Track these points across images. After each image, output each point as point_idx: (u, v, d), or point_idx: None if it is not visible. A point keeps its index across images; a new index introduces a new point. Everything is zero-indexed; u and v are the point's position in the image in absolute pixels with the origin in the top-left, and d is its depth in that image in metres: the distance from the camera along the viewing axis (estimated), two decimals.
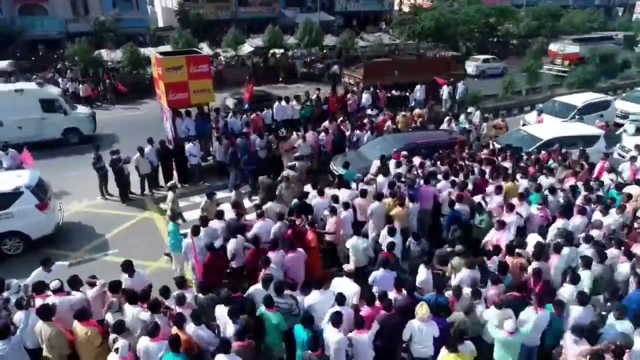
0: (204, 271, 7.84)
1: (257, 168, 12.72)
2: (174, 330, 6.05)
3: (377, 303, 6.53)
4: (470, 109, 17.39)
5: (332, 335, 5.93)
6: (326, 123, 14.87)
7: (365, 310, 6.48)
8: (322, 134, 14.16)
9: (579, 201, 9.52)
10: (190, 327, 6.15)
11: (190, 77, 13.01)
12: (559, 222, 8.70)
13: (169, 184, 11.01)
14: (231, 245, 8.07)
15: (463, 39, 35.41)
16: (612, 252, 7.77)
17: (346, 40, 31.92)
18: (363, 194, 9.44)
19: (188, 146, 13.32)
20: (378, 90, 18.53)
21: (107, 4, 35.69)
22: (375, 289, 7.11)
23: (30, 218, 10.02)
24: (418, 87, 19.46)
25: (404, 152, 11.93)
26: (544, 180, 10.43)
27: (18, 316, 6.54)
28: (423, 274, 7.30)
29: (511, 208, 8.85)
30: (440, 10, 34.05)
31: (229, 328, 6.25)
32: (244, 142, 13.44)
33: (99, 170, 12.71)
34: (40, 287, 6.88)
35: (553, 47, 33.41)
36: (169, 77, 12.69)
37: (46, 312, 6.20)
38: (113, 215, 12.05)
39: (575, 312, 6.42)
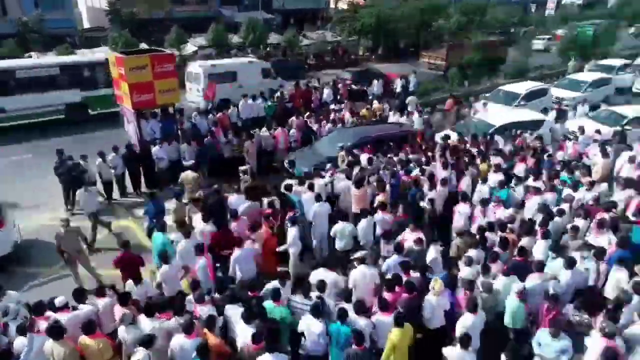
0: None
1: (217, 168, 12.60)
2: (205, 332, 5.87)
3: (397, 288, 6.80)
4: (409, 99, 18.19)
5: (359, 322, 6.13)
6: (293, 119, 14.88)
7: (388, 295, 6.67)
8: (293, 130, 14.17)
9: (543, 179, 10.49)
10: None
11: (155, 77, 12.39)
12: (537, 199, 9.43)
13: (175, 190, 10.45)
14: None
15: (401, 35, 36.75)
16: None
17: (290, 39, 31.94)
18: (359, 184, 9.60)
19: (155, 149, 12.75)
20: (339, 85, 18.79)
21: (26, 4, 32.92)
22: (389, 276, 7.32)
23: None
24: (375, 81, 20.00)
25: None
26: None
27: (20, 341, 6.00)
28: (433, 253, 7.63)
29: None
30: (379, 7, 35.12)
31: (240, 330, 6.13)
32: (212, 142, 13.21)
33: (61, 177, 11.83)
34: (40, 309, 6.33)
35: None
36: (133, 77, 12.01)
37: (57, 332, 5.73)
38: (83, 227, 11.25)
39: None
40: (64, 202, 12.03)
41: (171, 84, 12.91)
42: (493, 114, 16.49)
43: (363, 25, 34.28)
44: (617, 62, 25.49)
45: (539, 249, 7.83)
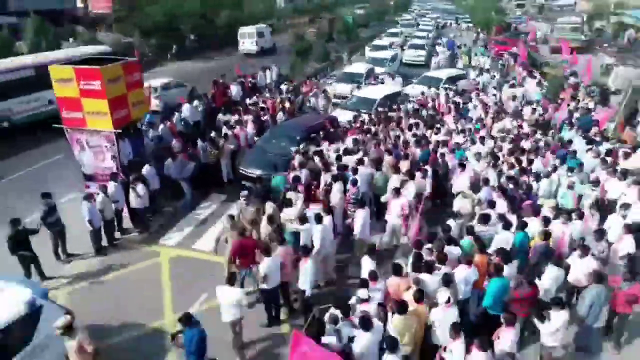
0: None
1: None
2: None
3: None
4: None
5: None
6: (248, 118, 14.84)
7: None
8: (248, 128, 14.22)
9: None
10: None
11: (128, 88, 10.66)
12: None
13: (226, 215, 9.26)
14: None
15: (190, 31, 36.35)
16: None
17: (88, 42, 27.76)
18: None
19: (147, 170, 11.01)
20: (244, 80, 18.76)
21: None
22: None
23: None
24: (268, 72, 21.04)
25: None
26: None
27: None
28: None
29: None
30: (164, 4, 33.93)
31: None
32: (193, 152, 12.36)
33: (52, 227, 9.19)
34: None
35: None
36: (111, 91, 10.03)
37: None
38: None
39: None
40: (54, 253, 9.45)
41: (140, 95, 11.24)
42: (370, 90, 19.21)
43: (154, 22, 32.57)
44: (388, 41, 33.17)
45: None
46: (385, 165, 11.38)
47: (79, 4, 44.55)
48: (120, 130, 10.42)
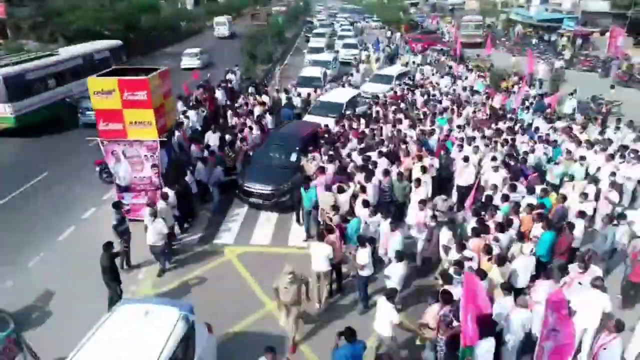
0: None
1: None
2: None
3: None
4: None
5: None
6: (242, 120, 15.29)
7: None
8: (253, 130, 14.76)
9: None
10: None
11: (164, 97, 10.83)
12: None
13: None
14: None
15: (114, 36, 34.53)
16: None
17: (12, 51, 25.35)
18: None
19: (189, 177, 11.24)
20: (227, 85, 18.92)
21: None
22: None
23: None
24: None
25: None
26: None
27: None
28: None
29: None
30: (86, 10, 32.06)
31: None
32: (220, 157, 12.77)
33: (122, 235, 9.25)
34: None
35: None
36: (157, 100, 10.20)
37: None
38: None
39: None
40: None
41: (171, 103, 11.44)
42: (334, 95, 19.04)
43: (76, 28, 30.60)
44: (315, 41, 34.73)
45: None
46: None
47: None
48: (165, 139, 10.59)
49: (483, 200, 10.10)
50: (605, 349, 6.20)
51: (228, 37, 45.60)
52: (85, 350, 5.65)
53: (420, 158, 11.98)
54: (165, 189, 10.33)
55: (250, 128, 14.62)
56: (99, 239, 8.56)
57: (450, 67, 26.27)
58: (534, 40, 40.74)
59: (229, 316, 8.24)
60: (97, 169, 13.38)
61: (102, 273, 8.13)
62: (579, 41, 37.43)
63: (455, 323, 6.43)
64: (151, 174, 10.82)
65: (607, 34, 32.94)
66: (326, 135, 14.35)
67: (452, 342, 6.33)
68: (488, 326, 6.32)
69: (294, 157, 12.53)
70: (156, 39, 39.08)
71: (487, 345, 6.11)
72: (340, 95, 18.79)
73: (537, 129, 14.86)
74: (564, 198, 10.09)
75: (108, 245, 8.18)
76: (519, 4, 54.82)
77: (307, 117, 16.94)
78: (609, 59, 30.23)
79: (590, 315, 7.02)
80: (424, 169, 11.36)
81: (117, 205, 9.50)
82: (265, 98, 18.15)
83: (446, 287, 7.01)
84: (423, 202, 9.57)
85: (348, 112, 16.78)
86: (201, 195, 12.13)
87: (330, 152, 12.38)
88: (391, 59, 31.58)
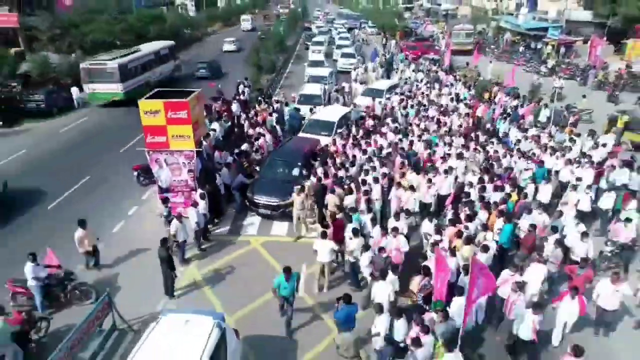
0: None
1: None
2: None
3: None
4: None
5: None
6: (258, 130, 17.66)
7: None
8: (267, 139, 17.11)
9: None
10: None
11: (199, 114, 13.20)
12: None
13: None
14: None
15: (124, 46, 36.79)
16: None
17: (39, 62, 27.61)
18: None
19: (218, 179, 13.60)
20: (239, 98, 21.24)
21: None
22: None
23: None
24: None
25: None
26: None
27: None
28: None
29: None
30: (99, 23, 34.37)
31: None
32: (240, 163, 15.07)
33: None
34: None
35: None
36: (194, 117, 12.56)
37: None
38: None
39: None
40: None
41: (202, 117, 13.75)
42: (326, 113, 19.70)
43: (94, 39, 32.87)
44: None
45: None
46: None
47: None
48: (200, 149, 12.92)
49: (462, 197, 12.53)
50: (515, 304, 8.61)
51: (250, 30, 62.50)
52: (138, 356, 6.77)
53: (403, 175, 14.09)
54: (199, 191, 12.68)
55: (264, 136, 17.00)
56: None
57: (438, 76, 28.73)
58: (520, 48, 43.19)
59: (257, 291, 10.58)
60: (135, 173, 15.68)
61: (160, 263, 10.22)
62: (562, 49, 39.96)
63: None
64: (188, 177, 13.14)
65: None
66: (321, 153, 15.69)
67: (427, 298, 8.73)
68: (457, 289, 8.67)
69: (296, 172, 14.16)
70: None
71: (459, 302, 8.46)
72: (332, 113, 19.39)
73: (505, 134, 17.37)
74: (525, 195, 12.49)
75: (164, 241, 10.34)
76: (508, 12, 57.28)
77: (301, 135, 17.77)
78: (588, 68, 32.69)
79: (534, 283, 9.39)
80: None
81: (166, 200, 11.83)
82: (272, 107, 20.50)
83: (425, 263, 9.41)
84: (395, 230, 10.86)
85: (340, 130, 17.61)
86: (227, 197, 14.40)
87: (326, 168, 14.14)
88: (388, 68, 33.69)
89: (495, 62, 36.77)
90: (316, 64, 32.19)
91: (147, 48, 30.09)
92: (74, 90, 26.00)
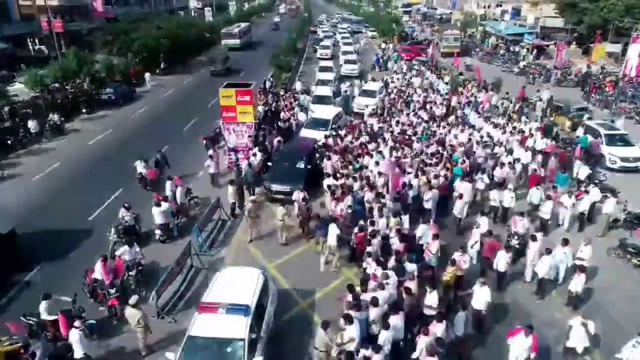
0: None
1: None
2: None
3: None
4: None
5: None
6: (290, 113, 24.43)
7: None
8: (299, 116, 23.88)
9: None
10: None
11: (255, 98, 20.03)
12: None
13: None
14: None
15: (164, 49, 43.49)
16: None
17: (106, 64, 34.32)
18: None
19: (268, 140, 20.38)
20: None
21: None
22: None
23: None
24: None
25: None
26: None
27: None
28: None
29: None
30: (145, 31, 41.13)
31: None
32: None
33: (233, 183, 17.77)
34: None
35: None
36: (253, 101, 19.29)
37: None
38: None
39: None
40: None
41: (256, 101, 20.47)
42: (321, 112, 24.46)
43: (140, 46, 39.51)
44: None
45: None
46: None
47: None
48: (257, 121, 19.66)
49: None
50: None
51: (280, 22, 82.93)
52: (211, 292, 9.75)
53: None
54: (255, 149, 19.33)
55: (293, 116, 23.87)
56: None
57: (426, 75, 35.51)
58: (501, 51, 49.80)
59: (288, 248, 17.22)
60: (204, 142, 22.32)
61: (243, 185, 17.07)
62: (535, 52, 46.56)
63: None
64: (247, 141, 19.83)
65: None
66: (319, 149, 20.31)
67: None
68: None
69: (302, 165, 18.05)
70: (190, 49, 48.14)
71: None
72: (327, 112, 24.26)
73: (465, 115, 24.18)
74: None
75: (232, 181, 17.04)
76: (494, 18, 63.88)
77: (303, 130, 22.79)
78: (552, 68, 39.28)
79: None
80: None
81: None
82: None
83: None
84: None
85: (334, 126, 22.62)
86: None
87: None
88: (385, 68, 40.39)
89: (479, 63, 43.58)
90: (325, 69, 36.93)
91: (242, 25, 59.82)
92: (147, 75, 34.95)
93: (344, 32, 64.74)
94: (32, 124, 24.04)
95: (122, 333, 10.90)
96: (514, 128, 21.77)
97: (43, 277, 13.07)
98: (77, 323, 9.30)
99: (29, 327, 10.12)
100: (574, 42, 48.58)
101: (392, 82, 32.90)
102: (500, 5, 67.35)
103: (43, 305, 10.15)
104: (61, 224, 15.46)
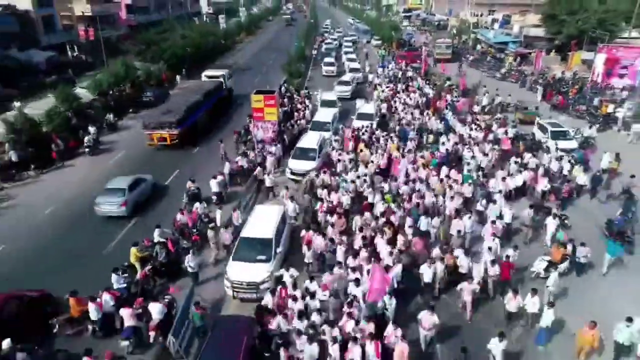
0: None
1: None
2: None
3: None
4: None
5: None
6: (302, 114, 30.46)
7: None
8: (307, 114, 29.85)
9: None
10: None
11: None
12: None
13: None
14: None
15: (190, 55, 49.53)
16: None
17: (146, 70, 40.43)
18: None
19: (287, 133, 26.33)
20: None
21: None
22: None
23: None
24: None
25: None
26: None
27: None
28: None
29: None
30: (174, 40, 47.25)
31: None
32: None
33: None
34: None
35: None
36: (277, 103, 25.23)
37: None
38: None
39: None
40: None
41: (278, 103, 26.40)
42: (323, 116, 29.41)
43: (171, 55, 45.64)
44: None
45: None
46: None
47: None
48: (280, 120, 25.65)
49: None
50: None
51: (292, 19, 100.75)
52: (249, 223, 16.04)
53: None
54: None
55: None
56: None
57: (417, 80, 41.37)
58: (488, 57, 55.48)
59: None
60: (235, 136, 28.23)
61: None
62: (518, 59, 52.22)
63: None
64: (272, 134, 25.76)
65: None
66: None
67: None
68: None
69: (312, 154, 23.68)
70: (208, 56, 54.19)
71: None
72: (326, 115, 29.46)
73: (445, 116, 30.07)
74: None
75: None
76: (485, 26, 69.58)
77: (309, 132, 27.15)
78: (529, 74, 44.95)
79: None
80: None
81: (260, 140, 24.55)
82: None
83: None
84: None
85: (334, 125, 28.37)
86: None
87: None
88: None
89: (468, 68, 49.36)
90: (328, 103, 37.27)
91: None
92: (178, 77, 42.58)
93: (348, 45, 65.40)
94: (91, 129, 28.73)
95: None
96: (479, 127, 27.55)
97: (147, 220, 19.49)
98: (184, 243, 15.41)
99: (152, 244, 16.04)
100: (554, 50, 54.23)
101: (382, 91, 37.90)
102: (492, 14, 73.00)
103: (156, 232, 16.17)
104: None
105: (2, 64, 38.48)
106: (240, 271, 14.58)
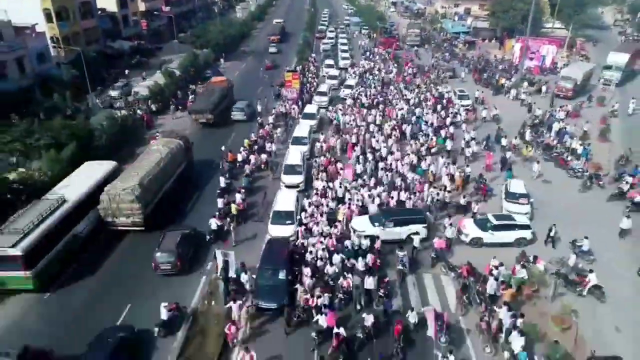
0: None
1: None
2: None
3: None
4: None
5: None
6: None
7: None
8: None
9: None
10: None
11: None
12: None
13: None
14: None
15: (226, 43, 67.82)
16: None
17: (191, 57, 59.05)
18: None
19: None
20: None
21: None
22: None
23: None
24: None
25: None
26: None
27: None
28: None
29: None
30: (215, 28, 66.02)
31: None
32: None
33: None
34: None
35: None
36: (300, 76, 44.42)
37: None
38: None
39: None
40: None
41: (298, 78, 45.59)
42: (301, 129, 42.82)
43: (216, 43, 64.21)
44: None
45: None
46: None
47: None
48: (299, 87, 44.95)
49: None
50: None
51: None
52: (277, 202, 25.56)
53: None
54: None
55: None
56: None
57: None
58: (445, 44, 73.98)
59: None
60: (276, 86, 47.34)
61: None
62: (467, 45, 70.86)
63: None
64: (295, 95, 44.82)
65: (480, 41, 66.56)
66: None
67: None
68: None
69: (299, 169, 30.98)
70: (236, 43, 72.58)
71: None
72: (304, 130, 36.33)
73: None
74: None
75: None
76: (450, 17, 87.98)
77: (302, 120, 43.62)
78: (471, 57, 63.63)
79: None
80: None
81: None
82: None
83: None
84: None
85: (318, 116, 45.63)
86: None
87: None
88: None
89: (427, 53, 67.87)
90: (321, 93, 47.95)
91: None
92: (222, 59, 59.79)
93: (344, 46, 69.47)
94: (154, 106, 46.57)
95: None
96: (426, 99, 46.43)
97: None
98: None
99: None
100: (495, 39, 72.95)
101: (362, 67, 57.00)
102: (457, 6, 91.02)
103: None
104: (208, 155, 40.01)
105: (106, 52, 56.91)
106: (276, 230, 23.75)
